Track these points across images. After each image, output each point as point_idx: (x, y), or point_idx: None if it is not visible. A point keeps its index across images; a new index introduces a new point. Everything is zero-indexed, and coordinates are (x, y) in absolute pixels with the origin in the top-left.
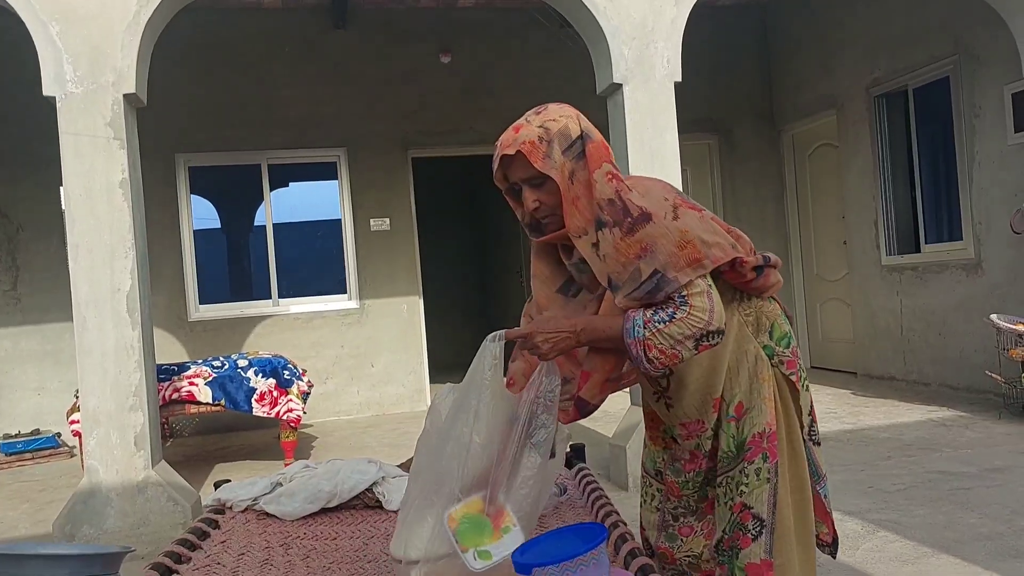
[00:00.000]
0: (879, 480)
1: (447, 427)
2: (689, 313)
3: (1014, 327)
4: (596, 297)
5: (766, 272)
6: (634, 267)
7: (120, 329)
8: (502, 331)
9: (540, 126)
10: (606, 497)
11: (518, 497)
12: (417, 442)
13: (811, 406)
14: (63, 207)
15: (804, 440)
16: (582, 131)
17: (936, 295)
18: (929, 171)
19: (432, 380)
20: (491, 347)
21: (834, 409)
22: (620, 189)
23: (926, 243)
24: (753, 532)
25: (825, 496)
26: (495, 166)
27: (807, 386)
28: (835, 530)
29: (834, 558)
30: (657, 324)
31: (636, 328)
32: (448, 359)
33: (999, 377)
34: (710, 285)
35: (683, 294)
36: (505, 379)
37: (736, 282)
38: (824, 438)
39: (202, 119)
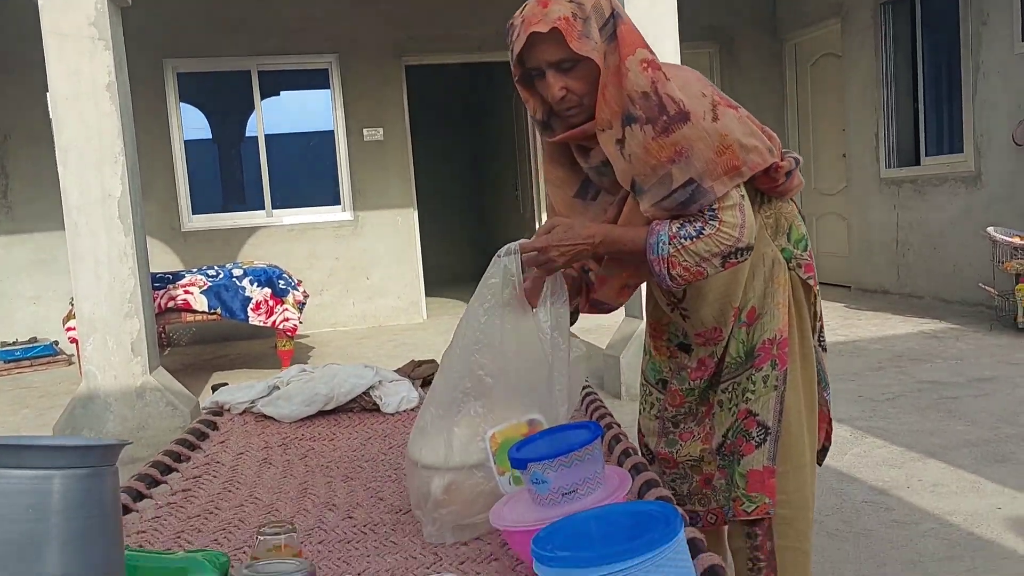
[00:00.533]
0: (868, 389)
1: (469, 344)
2: (719, 229)
3: (1010, 240)
4: (619, 200)
5: (793, 173)
6: (665, 171)
7: (112, 235)
8: (516, 243)
9: (572, 0)
10: (602, 404)
11: (557, 419)
12: (443, 356)
13: (821, 311)
14: (50, 113)
15: (814, 346)
16: (614, 9)
17: (933, 208)
18: (933, 82)
19: (427, 294)
20: (507, 261)
21: (826, 321)
22: (657, 80)
23: (926, 156)
24: (757, 439)
25: (828, 402)
26: (517, 47)
27: (818, 291)
28: (829, 438)
29: (819, 464)
30: (683, 240)
31: (661, 244)
32: (443, 273)
33: (992, 290)
34: (743, 196)
35: (713, 207)
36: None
37: (766, 186)
38: None
39: (190, 23)
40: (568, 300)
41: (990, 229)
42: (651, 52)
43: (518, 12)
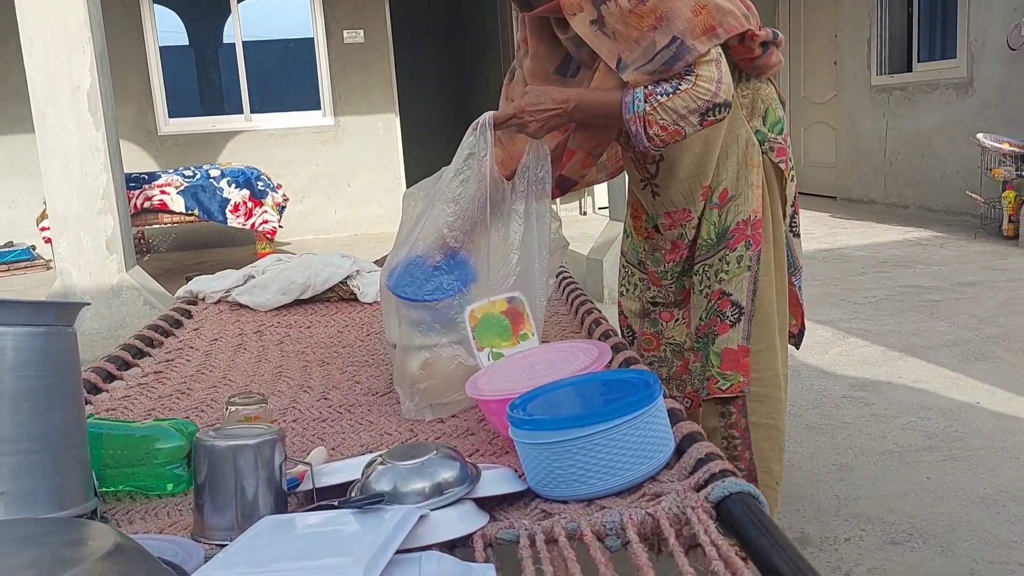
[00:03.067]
0: (851, 293)
1: (441, 216)
2: (695, 84)
3: (999, 146)
4: (599, 73)
5: (770, 49)
6: (648, 40)
7: (83, 130)
8: (489, 113)
9: None
10: (588, 300)
11: (536, 297)
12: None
13: (795, 197)
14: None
15: (784, 231)
16: None
17: (923, 116)
18: None
19: None
20: (479, 133)
21: (811, 230)
22: None
23: (918, 62)
24: (731, 318)
25: (799, 288)
26: None
27: (794, 176)
28: (803, 322)
29: (797, 348)
30: (659, 97)
31: (636, 102)
32: None
33: (979, 197)
34: (720, 54)
35: (689, 63)
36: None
37: (740, 58)
38: None
39: None
40: (551, 168)
41: (979, 135)
42: None
43: None
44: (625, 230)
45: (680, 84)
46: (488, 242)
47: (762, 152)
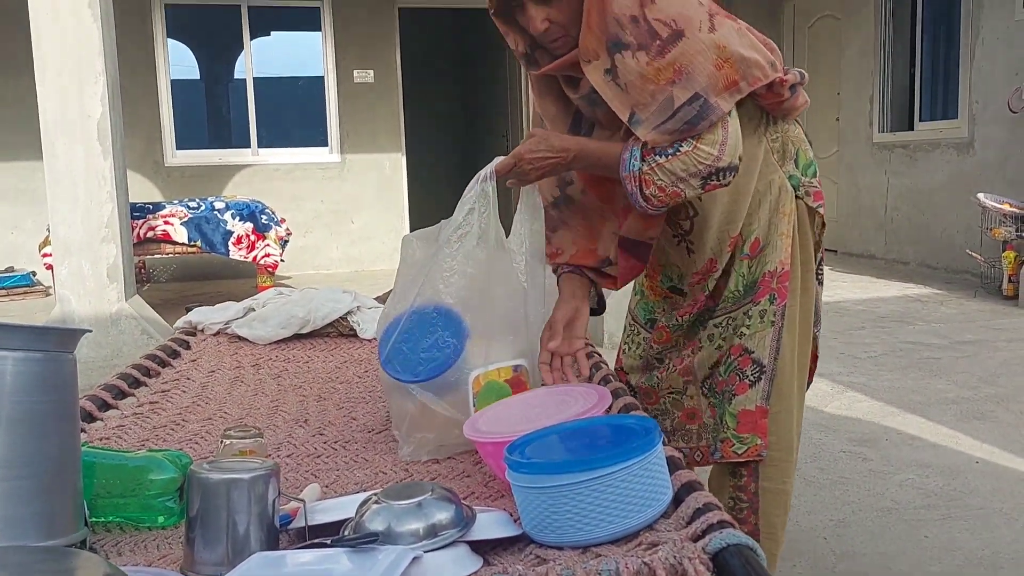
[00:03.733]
0: (851, 348)
1: (439, 272)
2: (696, 147)
3: (1000, 206)
4: (617, 135)
5: (798, 91)
6: (665, 95)
7: (91, 159)
8: (491, 165)
9: None
10: (589, 343)
11: (536, 364)
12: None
13: (822, 243)
14: (32, 31)
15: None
16: None
17: (924, 174)
18: (930, 46)
19: None
20: (483, 186)
21: None
22: (644, 2)
23: (920, 121)
24: (751, 378)
25: (818, 339)
26: None
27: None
28: (812, 376)
29: None
30: (657, 158)
31: (632, 160)
32: (430, 220)
33: (979, 256)
34: (730, 112)
35: (714, 122)
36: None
37: (768, 102)
38: None
39: None
40: (555, 221)
41: (980, 195)
42: None
43: None
44: (636, 288)
45: (680, 146)
46: (489, 299)
47: (797, 197)
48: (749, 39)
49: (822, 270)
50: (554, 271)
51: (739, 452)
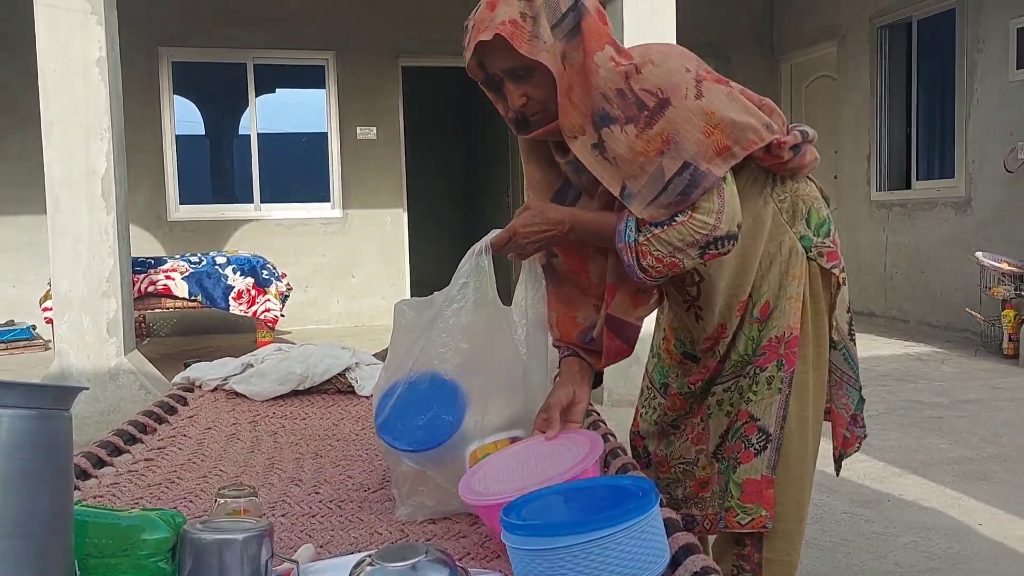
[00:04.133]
0: None
1: (435, 349)
2: (691, 216)
3: (998, 265)
4: (599, 198)
5: (804, 149)
6: (655, 166)
7: (94, 214)
8: (486, 239)
9: None
10: (598, 415)
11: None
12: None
13: (848, 302)
14: (40, 86)
15: (844, 339)
16: (576, 1)
17: (922, 232)
18: (927, 107)
19: (413, 295)
20: (479, 260)
21: None
22: (630, 75)
23: (917, 180)
24: (756, 446)
25: (850, 404)
26: (468, 55)
27: (845, 280)
28: (849, 444)
29: (836, 475)
30: (653, 229)
31: (628, 231)
32: (429, 276)
33: (979, 315)
34: (724, 179)
35: (708, 189)
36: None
37: (769, 164)
38: None
39: (187, 11)
40: (546, 292)
41: (978, 254)
42: (617, 47)
43: (472, 14)
44: (653, 350)
45: (676, 216)
46: (486, 369)
47: (809, 259)
48: (741, 102)
49: (854, 329)
50: (557, 351)
51: (743, 523)
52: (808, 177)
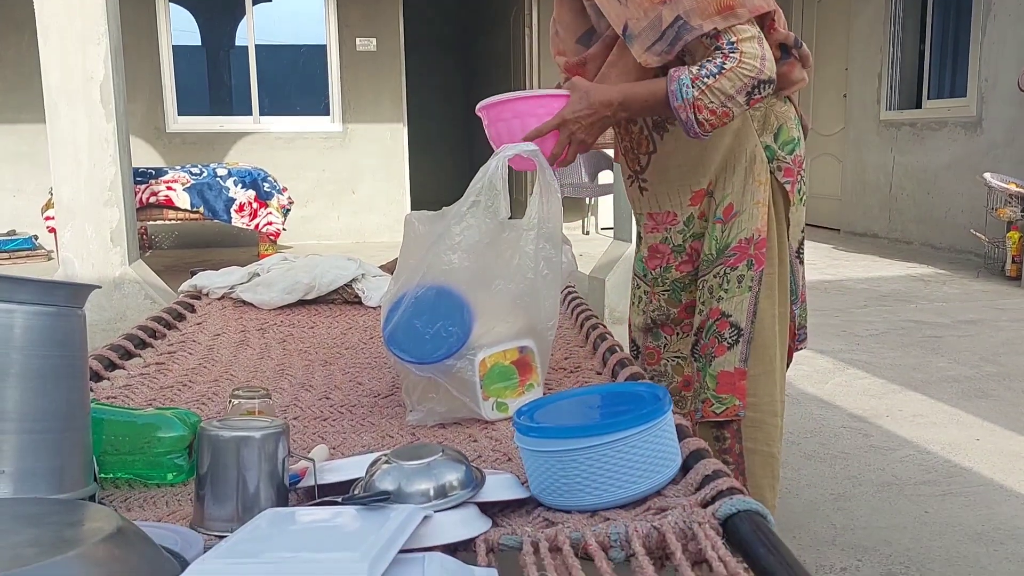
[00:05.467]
0: (852, 325)
1: (445, 248)
2: (740, 61)
3: (1006, 186)
4: (605, 38)
5: (791, 61)
6: (656, 13)
7: (94, 121)
8: (504, 154)
9: None
10: (594, 315)
11: (545, 345)
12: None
13: (803, 224)
14: None
15: (791, 256)
16: None
17: (931, 153)
18: (941, 22)
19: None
20: (488, 181)
21: (814, 261)
22: None
23: (928, 99)
24: (729, 340)
25: (797, 316)
26: None
27: (804, 199)
28: (793, 353)
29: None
30: (706, 80)
31: (683, 88)
32: (429, 193)
33: (983, 236)
34: (760, 34)
35: (732, 40)
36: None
37: None
38: None
39: None
40: (561, 198)
41: (986, 175)
42: None
43: None
44: (639, 238)
45: (725, 63)
46: (496, 281)
47: (770, 171)
48: None
49: (803, 250)
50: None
51: (718, 412)
52: (789, 99)
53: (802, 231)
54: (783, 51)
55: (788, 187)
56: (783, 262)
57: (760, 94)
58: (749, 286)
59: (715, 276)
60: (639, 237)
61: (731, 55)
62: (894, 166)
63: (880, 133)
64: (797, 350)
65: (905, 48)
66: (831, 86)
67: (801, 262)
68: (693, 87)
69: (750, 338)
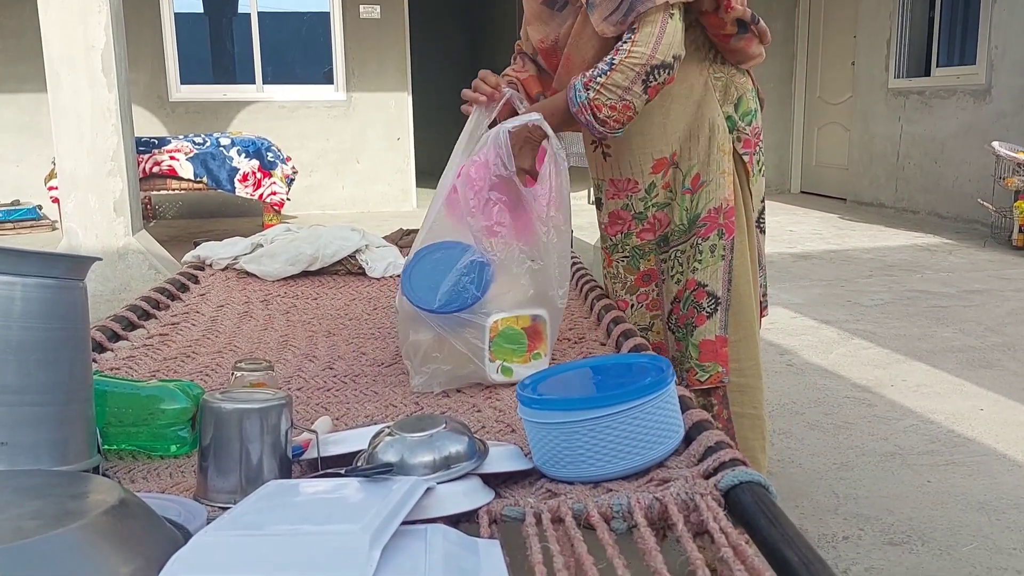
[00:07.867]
0: (857, 295)
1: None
2: (629, 52)
3: (1014, 155)
4: (574, 10)
5: (748, 36)
6: None
7: (96, 90)
8: (505, 129)
9: None
10: (599, 286)
11: (556, 315)
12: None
13: (763, 195)
14: None
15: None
16: None
17: (939, 121)
18: None
19: (418, 183)
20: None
21: (820, 231)
22: None
23: (937, 67)
24: (708, 309)
25: (762, 287)
26: None
27: (763, 171)
28: (761, 319)
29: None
30: (598, 79)
31: (577, 93)
32: (434, 163)
33: (990, 206)
34: (672, 14)
35: (633, 27)
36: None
37: (713, 32)
38: (807, 256)
39: None
40: (568, 168)
41: (994, 143)
42: None
43: None
44: (599, 204)
45: (613, 59)
46: (513, 252)
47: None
48: None
49: (763, 219)
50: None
51: (702, 380)
52: (748, 72)
53: (762, 201)
54: (741, 26)
55: (747, 158)
56: (750, 229)
57: (657, 80)
58: (722, 255)
59: (689, 247)
60: (599, 203)
61: (621, 48)
62: (902, 135)
63: (888, 102)
64: (763, 316)
65: (915, 15)
66: (839, 54)
67: (762, 232)
68: (587, 90)
69: (728, 305)
